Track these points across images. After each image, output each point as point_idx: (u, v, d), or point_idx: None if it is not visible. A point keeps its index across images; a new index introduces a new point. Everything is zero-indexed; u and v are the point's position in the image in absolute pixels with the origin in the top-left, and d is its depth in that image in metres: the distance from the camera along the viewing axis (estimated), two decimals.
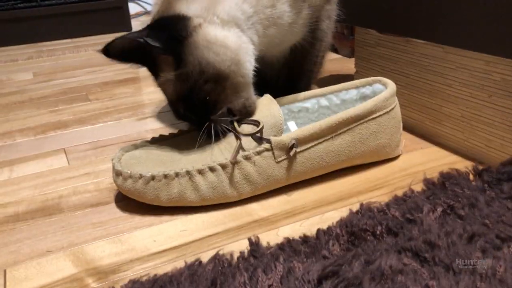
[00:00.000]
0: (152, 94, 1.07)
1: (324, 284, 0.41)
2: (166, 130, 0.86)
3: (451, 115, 0.72)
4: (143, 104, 1.01)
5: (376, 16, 0.81)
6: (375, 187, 0.63)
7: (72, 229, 0.57)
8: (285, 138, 0.60)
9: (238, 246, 0.52)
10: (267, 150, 0.60)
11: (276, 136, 0.61)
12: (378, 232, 0.48)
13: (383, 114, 0.66)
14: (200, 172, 0.58)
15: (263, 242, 0.51)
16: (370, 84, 0.71)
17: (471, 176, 0.59)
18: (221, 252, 0.48)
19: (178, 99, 0.60)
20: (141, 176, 0.58)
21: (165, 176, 0.57)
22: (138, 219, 0.59)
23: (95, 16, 1.78)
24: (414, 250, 0.45)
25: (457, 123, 0.71)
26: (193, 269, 0.45)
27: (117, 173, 0.59)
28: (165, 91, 0.63)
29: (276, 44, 0.68)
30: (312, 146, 0.62)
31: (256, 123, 0.60)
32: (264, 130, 0.60)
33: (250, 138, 0.59)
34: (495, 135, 0.65)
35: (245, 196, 0.61)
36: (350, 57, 1.26)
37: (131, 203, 0.62)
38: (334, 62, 1.23)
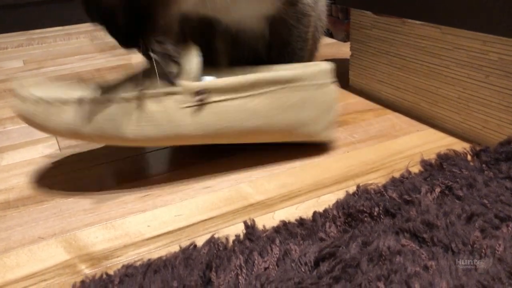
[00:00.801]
0: None
1: (321, 266, 0.40)
2: None
3: (447, 96, 0.71)
4: None
5: None
6: (371, 170, 0.63)
7: (64, 215, 0.56)
8: (195, 84, 0.57)
9: (234, 230, 0.51)
10: (174, 93, 0.56)
11: None
12: (375, 214, 0.47)
13: (310, 87, 0.61)
14: (97, 101, 0.54)
15: (259, 226, 0.50)
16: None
17: (468, 157, 0.58)
18: (216, 236, 0.47)
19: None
20: (32, 95, 0.54)
21: (59, 100, 0.53)
22: (131, 204, 0.58)
23: None
24: (412, 231, 0.44)
25: (453, 104, 0.70)
26: (188, 253, 0.44)
27: (15, 95, 0.55)
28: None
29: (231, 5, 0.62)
30: (225, 100, 0.58)
31: (176, 58, 0.57)
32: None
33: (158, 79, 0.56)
34: (492, 116, 0.64)
35: (146, 143, 0.57)
36: (345, 41, 1.25)
37: (124, 189, 0.61)
38: (329, 47, 1.22)
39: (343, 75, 0.95)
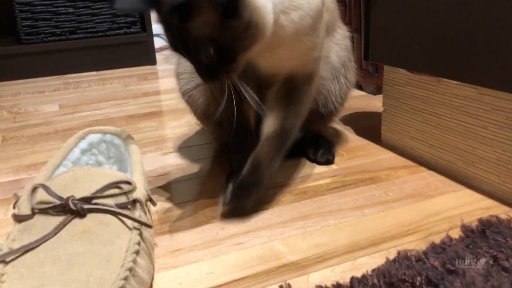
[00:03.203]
0: (176, 129, 1.07)
1: None
2: (189, 166, 0.85)
3: (485, 157, 0.69)
4: (167, 138, 1.01)
5: (407, 55, 0.80)
6: (408, 232, 0.61)
7: None
8: (140, 190, 0.55)
9: None
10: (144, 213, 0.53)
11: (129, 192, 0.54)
12: (417, 283, 0.45)
13: None
14: None
15: None
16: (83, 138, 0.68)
17: None
18: None
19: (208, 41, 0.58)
20: None
21: None
22: (163, 259, 0.57)
23: (121, 50, 1.82)
24: None
25: (492, 166, 0.68)
26: None
27: None
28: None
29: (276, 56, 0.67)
30: None
31: (127, 184, 0.54)
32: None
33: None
34: None
35: None
36: (375, 94, 1.25)
37: (156, 243, 0.60)
38: (359, 99, 1.22)
39: (373, 128, 0.95)
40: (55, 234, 0.47)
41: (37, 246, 0.46)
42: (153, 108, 1.25)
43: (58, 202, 0.48)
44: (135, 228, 0.50)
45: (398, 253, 0.51)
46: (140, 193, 0.54)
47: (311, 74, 0.74)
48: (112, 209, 0.49)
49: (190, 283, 0.52)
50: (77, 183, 0.52)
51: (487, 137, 0.68)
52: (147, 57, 1.85)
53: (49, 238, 0.46)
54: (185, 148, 0.95)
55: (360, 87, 1.30)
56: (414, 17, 0.77)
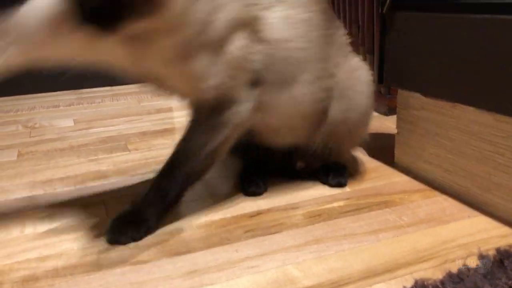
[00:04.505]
0: None
1: None
2: (202, 185, 0.85)
3: (502, 184, 0.69)
4: None
5: (422, 79, 0.81)
6: (423, 259, 0.60)
7: None
8: None
9: None
10: None
11: None
12: None
13: None
14: None
15: None
16: None
17: None
18: None
19: None
20: None
21: None
22: (178, 281, 0.57)
23: None
24: None
25: (508, 193, 0.68)
26: None
27: None
28: None
29: None
30: None
31: None
32: None
33: None
34: None
35: None
36: (387, 115, 1.25)
37: (170, 263, 0.60)
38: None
39: (386, 150, 0.95)
40: None
41: None
42: (166, 125, 1.26)
43: None
44: None
45: (416, 282, 0.51)
46: None
47: (224, 102, 0.68)
48: None
49: None
50: None
51: (504, 164, 0.68)
52: None
53: None
54: None
55: None
56: (430, 42, 0.78)
